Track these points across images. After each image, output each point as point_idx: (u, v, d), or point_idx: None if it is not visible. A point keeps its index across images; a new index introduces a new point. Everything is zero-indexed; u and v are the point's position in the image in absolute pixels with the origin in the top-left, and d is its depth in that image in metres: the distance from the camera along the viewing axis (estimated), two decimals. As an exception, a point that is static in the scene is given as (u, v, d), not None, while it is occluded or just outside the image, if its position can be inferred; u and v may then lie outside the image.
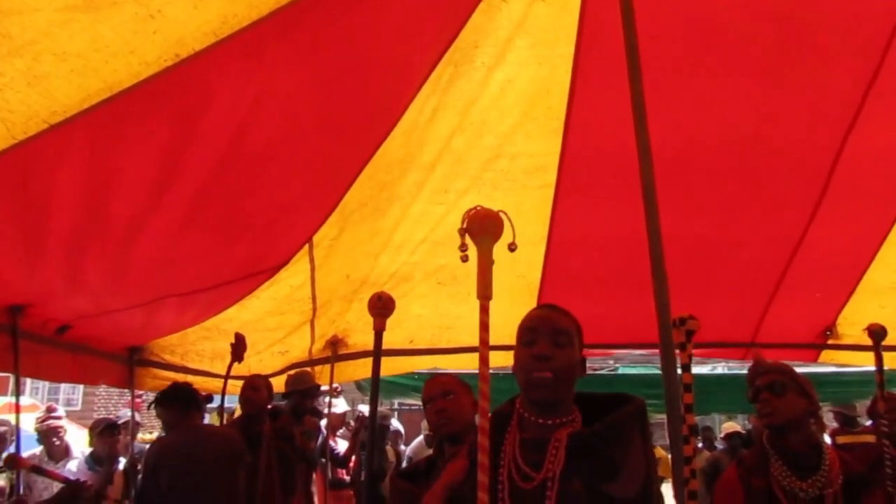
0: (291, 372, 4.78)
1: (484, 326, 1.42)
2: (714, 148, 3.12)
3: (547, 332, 1.50)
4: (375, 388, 2.43)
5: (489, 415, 1.40)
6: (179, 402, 3.62)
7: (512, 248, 1.49)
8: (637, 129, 2.13)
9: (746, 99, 2.94)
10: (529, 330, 1.52)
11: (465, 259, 1.47)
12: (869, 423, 5.50)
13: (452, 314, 4.30)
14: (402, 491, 2.18)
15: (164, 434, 3.87)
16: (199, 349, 4.41)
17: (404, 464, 6.34)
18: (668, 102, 2.72)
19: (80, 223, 2.44)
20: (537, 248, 3.79)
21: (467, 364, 4.45)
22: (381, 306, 2.33)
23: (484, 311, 1.43)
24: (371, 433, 2.49)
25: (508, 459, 1.44)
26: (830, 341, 4.54)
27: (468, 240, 1.49)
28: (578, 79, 2.86)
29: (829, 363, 4.85)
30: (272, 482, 3.81)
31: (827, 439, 3.52)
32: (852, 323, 4.35)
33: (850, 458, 2.27)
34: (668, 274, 2.02)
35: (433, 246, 3.69)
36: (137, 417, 5.09)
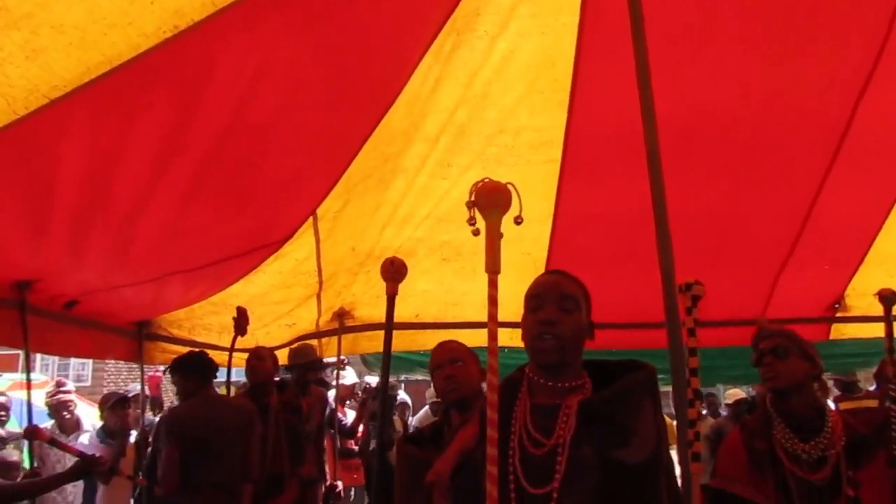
0: (294, 346, 4.81)
1: (492, 301, 1.42)
2: (722, 118, 3.08)
3: (553, 297, 1.49)
4: (388, 350, 2.46)
5: (497, 387, 1.40)
6: (196, 372, 3.65)
7: (518, 221, 1.48)
8: (642, 98, 2.11)
9: (755, 67, 2.89)
10: (535, 296, 1.52)
11: (476, 233, 1.47)
12: (872, 387, 5.52)
13: (458, 290, 4.30)
14: (409, 455, 2.21)
15: (177, 403, 3.91)
16: (207, 323, 4.44)
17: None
18: (674, 72, 2.69)
19: (85, 197, 2.44)
20: (543, 225, 3.76)
21: (473, 340, 4.46)
22: (394, 271, 2.35)
23: (492, 284, 1.43)
24: (383, 398, 2.51)
25: (519, 426, 1.45)
26: (839, 314, 4.52)
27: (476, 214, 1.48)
28: (583, 49, 2.81)
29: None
30: (281, 454, 3.86)
31: (831, 405, 3.54)
32: (861, 294, 4.33)
33: (854, 421, 2.29)
34: (675, 250, 2.02)
35: (437, 222, 3.68)
36: (147, 392, 5.13)
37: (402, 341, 4.71)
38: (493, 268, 1.43)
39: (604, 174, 3.35)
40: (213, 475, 3.45)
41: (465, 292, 4.27)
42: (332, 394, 5.64)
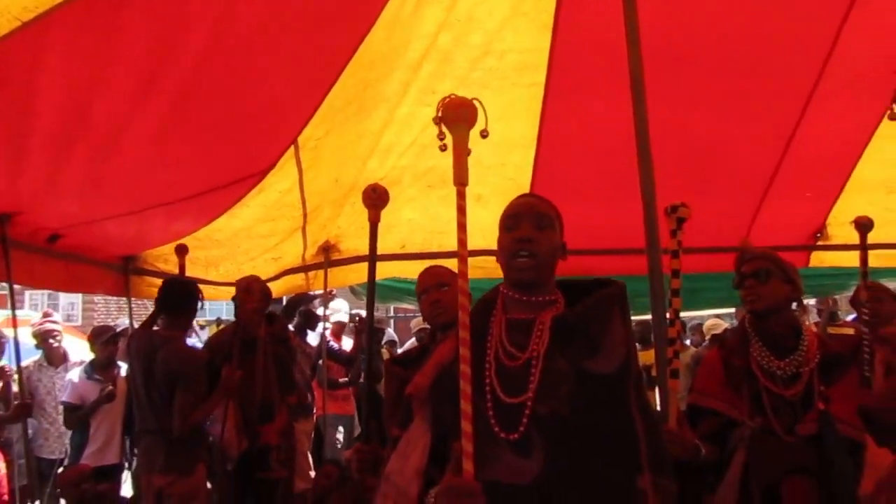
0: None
1: (461, 210, 1.48)
2: (707, 38, 3.05)
3: (529, 217, 1.54)
4: (372, 279, 2.48)
5: (468, 291, 1.45)
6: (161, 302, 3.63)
7: (484, 134, 1.51)
8: (627, 20, 2.08)
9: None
10: (512, 216, 1.56)
11: (443, 148, 1.49)
12: (851, 317, 5.65)
13: (444, 218, 4.30)
14: (395, 374, 2.28)
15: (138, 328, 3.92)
16: (193, 257, 4.42)
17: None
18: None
19: (63, 124, 2.40)
20: (527, 150, 3.76)
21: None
22: (376, 197, 2.36)
23: (461, 196, 1.48)
24: (369, 328, 2.55)
25: (495, 341, 1.50)
26: (820, 242, 4.60)
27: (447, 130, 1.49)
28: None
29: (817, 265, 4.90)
30: (271, 383, 3.92)
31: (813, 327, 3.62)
32: (841, 222, 4.38)
33: (830, 341, 2.36)
34: (658, 175, 2.03)
35: (422, 149, 3.66)
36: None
37: (389, 271, 4.76)
38: (460, 180, 1.48)
39: (587, 98, 3.32)
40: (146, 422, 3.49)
41: (451, 219, 4.24)
42: (320, 326, 5.71)
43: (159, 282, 4.48)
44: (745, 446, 2.24)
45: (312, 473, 4.62)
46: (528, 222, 1.52)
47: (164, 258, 4.46)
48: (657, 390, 2.23)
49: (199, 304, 3.77)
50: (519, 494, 1.33)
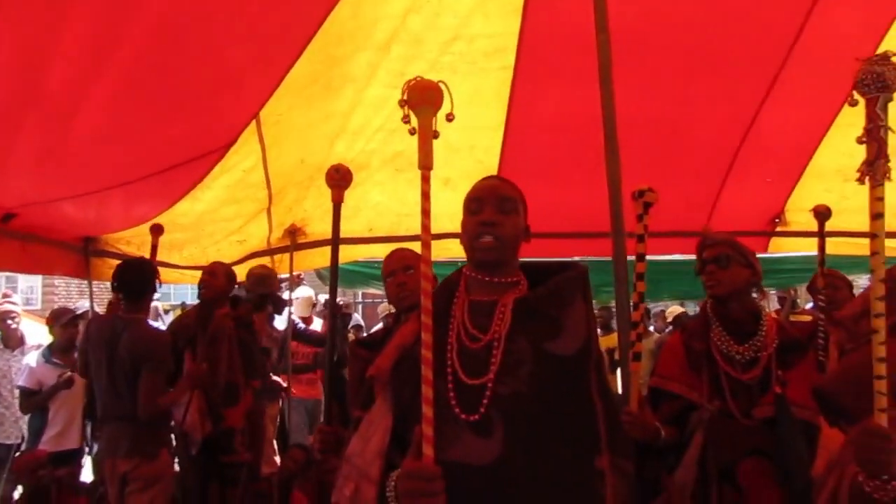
0: (255, 268, 4.74)
1: (425, 196, 1.44)
2: (673, 23, 3.07)
3: (493, 200, 1.53)
4: (335, 261, 2.46)
5: (432, 277, 1.44)
6: (122, 286, 3.53)
7: (449, 118, 1.49)
8: (595, 3, 2.09)
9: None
10: (475, 199, 1.55)
11: (412, 132, 1.47)
12: (809, 305, 5.78)
13: (411, 201, 4.28)
14: (359, 356, 2.28)
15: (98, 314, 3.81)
16: (157, 240, 4.35)
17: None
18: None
19: (15, 94, 2.30)
20: (496, 133, 3.76)
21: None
22: (339, 178, 2.35)
23: (425, 180, 1.45)
24: (332, 309, 2.53)
25: (457, 322, 1.50)
26: (779, 228, 4.69)
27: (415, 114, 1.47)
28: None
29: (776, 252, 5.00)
30: (235, 367, 3.88)
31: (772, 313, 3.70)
32: (799, 209, 4.47)
33: (789, 327, 2.41)
34: (624, 159, 2.04)
35: (390, 133, 3.63)
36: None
37: (356, 254, 4.73)
38: (425, 164, 1.45)
39: (556, 82, 3.33)
40: (110, 408, 3.42)
41: (419, 203, 4.24)
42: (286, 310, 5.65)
43: (121, 264, 4.39)
44: (703, 428, 2.28)
45: (277, 458, 4.59)
46: (491, 205, 1.52)
47: (125, 240, 4.37)
48: (619, 373, 2.25)
49: (157, 283, 3.68)
50: (479, 475, 1.33)
